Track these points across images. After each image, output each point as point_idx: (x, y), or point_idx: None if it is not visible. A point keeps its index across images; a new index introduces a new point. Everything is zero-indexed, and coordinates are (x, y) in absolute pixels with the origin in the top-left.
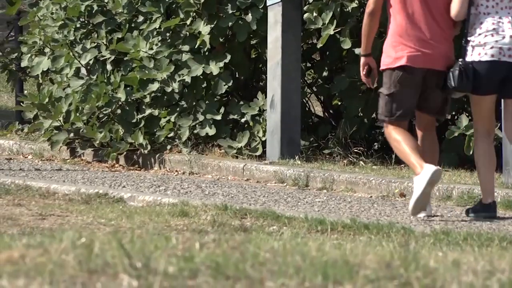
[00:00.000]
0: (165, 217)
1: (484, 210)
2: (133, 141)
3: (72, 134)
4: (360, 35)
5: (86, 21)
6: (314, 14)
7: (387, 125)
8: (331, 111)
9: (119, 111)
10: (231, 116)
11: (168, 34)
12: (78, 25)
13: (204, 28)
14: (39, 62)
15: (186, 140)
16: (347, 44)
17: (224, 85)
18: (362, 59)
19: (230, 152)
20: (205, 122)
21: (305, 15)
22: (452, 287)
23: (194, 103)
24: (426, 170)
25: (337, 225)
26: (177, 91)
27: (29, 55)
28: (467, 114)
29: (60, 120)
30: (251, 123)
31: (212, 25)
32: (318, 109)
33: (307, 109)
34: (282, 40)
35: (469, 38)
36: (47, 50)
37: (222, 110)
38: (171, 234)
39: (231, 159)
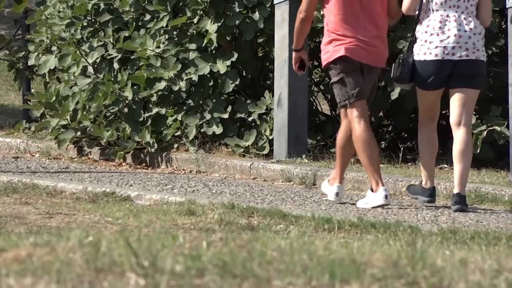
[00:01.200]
0: (172, 215)
1: (423, 194)
2: (140, 139)
3: (79, 133)
4: None
5: (93, 20)
6: (321, 12)
7: (350, 110)
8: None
9: (126, 109)
10: (238, 115)
11: (175, 33)
12: (85, 24)
13: (211, 27)
14: (46, 60)
15: (193, 138)
16: None
17: (231, 84)
18: (294, 54)
19: (237, 151)
20: (212, 121)
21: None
22: (459, 286)
23: (201, 102)
24: (379, 195)
25: (344, 224)
26: (184, 89)
27: (36, 53)
28: (474, 113)
29: (67, 119)
30: (258, 122)
31: (219, 24)
32: (325, 108)
33: (314, 107)
34: (289, 38)
35: (416, 34)
36: (54, 48)
37: (229, 108)
38: (178, 232)
39: (238, 158)
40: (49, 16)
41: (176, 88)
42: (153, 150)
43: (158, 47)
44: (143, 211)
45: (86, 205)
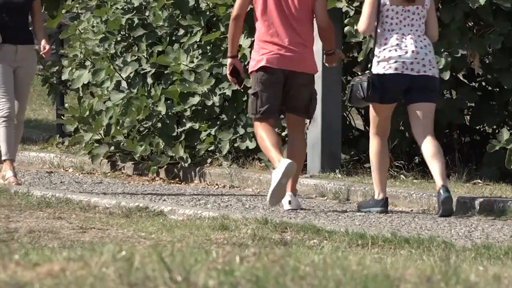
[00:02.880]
0: (205, 230)
1: (376, 205)
2: (173, 154)
3: (112, 148)
4: None
5: (126, 35)
6: (355, 27)
7: (255, 122)
8: None
9: (159, 124)
10: None
11: (208, 47)
12: (118, 38)
13: (244, 42)
14: (79, 75)
15: (226, 153)
16: None
17: None
18: (228, 61)
19: (271, 166)
20: (245, 136)
21: (346, 28)
22: None
23: (234, 117)
24: (281, 164)
25: (377, 239)
26: (217, 104)
27: (70, 68)
28: (508, 128)
29: (100, 133)
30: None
31: (253, 38)
32: (358, 123)
33: (347, 122)
34: (322, 53)
35: (375, 53)
36: (87, 63)
37: None
38: (211, 247)
39: (271, 172)
40: (83, 31)
41: (209, 103)
42: (186, 165)
43: (192, 61)
44: (176, 226)
45: (119, 220)
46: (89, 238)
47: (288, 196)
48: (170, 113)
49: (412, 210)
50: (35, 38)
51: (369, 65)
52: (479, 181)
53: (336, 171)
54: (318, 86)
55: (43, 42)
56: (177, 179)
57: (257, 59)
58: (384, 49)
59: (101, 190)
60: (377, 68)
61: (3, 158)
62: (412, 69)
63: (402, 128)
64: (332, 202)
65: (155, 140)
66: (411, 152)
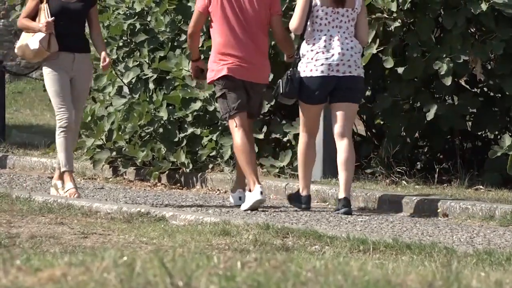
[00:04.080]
0: (206, 236)
1: (300, 201)
2: (175, 160)
3: (114, 153)
4: (403, 54)
5: (128, 40)
6: None
7: (230, 121)
8: (373, 130)
9: (161, 130)
10: (273, 135)
11: (210, 53)
12: (120, 44)
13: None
14: None
15: (228, 159)
16: (389, 63)
17: (267, 104)
18: (191, 64)
19: (272, 171)
20: None
21: None
22: None
23: None
24: (256, 192)
25: (379, 245)
26: (219, 110)
27: None
28: (510, 134)
29: (102, 139)
30: (293, 142)
31: None
32: (360, 128)
33: None
34: None
35: (302, 53)
36: None
37: (264, 129)
38: (213, 253)
39: (273, 178)
40: None
41: (211, 108)
42: (188, 170)
43: None
44: (178, 231)
45: (121, 225)
46: (91, 243)
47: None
48: (171, 119)
49: (413, 216)
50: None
51: (297, 62)
52: (481, 187)
53: (338, 177)
54: None
55: (103, 54)
56: (179, 185)
57: (216, 69)
58: (312, 50)
59: (102, 195)
60: (305, 71)
61: (62, 169)
62: (338, 71)
63: (404, 133)
64: (334, 208)
65: (157, 145)
66: (413, 157)
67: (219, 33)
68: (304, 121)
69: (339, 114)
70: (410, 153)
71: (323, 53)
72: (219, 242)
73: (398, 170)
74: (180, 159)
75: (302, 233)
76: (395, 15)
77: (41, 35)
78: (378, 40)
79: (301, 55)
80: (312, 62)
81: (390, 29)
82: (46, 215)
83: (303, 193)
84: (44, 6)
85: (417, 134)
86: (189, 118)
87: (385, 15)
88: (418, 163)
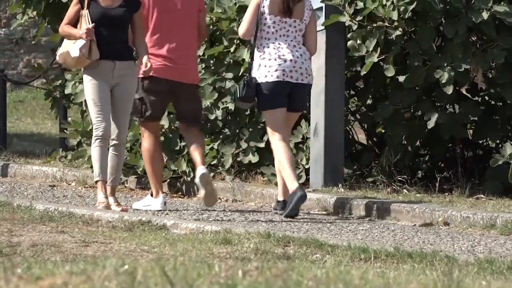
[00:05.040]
0: (208, 244)
1: (278, 206)
2: (176, 168)
3: None
4: (404, 62)
5: None
6: (358, 41)
7: (141, 126)
8: (374, 139)
9: (162, 138)
10: None
11: (211, 62)
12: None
13: (248, 56)
14: (83, 89)
15: (229, 167)
16: (390, 72)
17: None
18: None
19: (273, 180)
20: (248, 150)
21: (349, 43)
22: None
23: (237, 131)
24: (160, 200)
25: (380, 254)
26: (220, 118)
27: (73, 82)
28: (511, 143)
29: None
30: (294, 151)
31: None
32: (361, 137)
33: (350, 136)
34: (326, 67)
35: (255, 59)
36: None
37: (265, 137)
38: (214, 261)
39: (274, 187)
40: None
41: (212, 117)
42: (189, 179)
43: None
44: (179, 240)
45: (122, 233)
46: (92, 252)
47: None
48: (173, 127)
49: (415, 225)
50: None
51: (251, 67)
52: (482, 195)
53: (339, 185)
54: (320, 100)
55: (144, 59)
56: (180, 193)
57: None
58: (264, 58)
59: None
60: (260, 76)
61: (95, 179)
62: (291, 77)
63: (405, 142)
64: (335, 216)
65: None
66: (414, 166)
67: (150, 32)
68: (273, 129)
69: (287, 122)
70: (411, 161)
71: (275, 59)
72: (220, 251)
73: (399, 178)
74: (181, 167)
75: (303, 242)
76: (396, 23)
77: (82, 42)
78: (379, 49)
79: (254, 62)
80: (266, 68)
81: (391, 37)
82: (47, 223)
83: (281, 198)
84: (85, 12)
85: (418, 143)
86: None
87: (386, 23)
88: (419, 171)
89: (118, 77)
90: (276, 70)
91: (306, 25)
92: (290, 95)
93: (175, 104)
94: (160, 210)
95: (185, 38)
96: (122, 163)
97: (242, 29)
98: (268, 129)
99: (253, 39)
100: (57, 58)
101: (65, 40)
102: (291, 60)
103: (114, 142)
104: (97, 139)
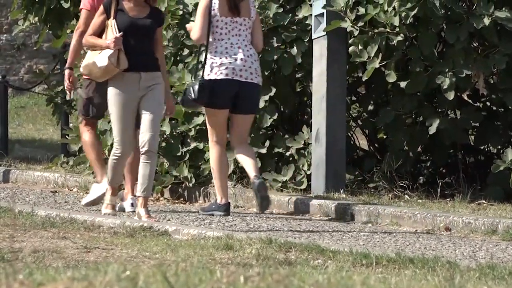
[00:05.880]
0: (209, 250)
1: (219, 209)
2: (178, 174)
3: None
4: (405, 68)
5: None
6: (360, 47)
7: (84, 122)
8: (376, 145)
9: (164, 144)
10: (276, 150)
11: None
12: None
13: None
14: None
15: (231, 173)
16: (392, 78)
17: (269, 118)
18: (67, 71)
19: (275, 186)
20: None
21: (350, 48)
22: None
23: None
24: (103, 185)
25: (382, 259)
26: None
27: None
28: None
29: (105, 153)
30: (296, 157)
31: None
32: (363, 143)
33: (352, 142)
34: (327, 73)
35: (208, 59)
36: None
37: (267, 143)
38: (216, 267)
39: (276, 193)
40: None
41: None
42: (191, 184)
43: None
44: (181, 246)
45: (123, 239)
46: (94, 258)
47: (130, 199)
48: (174, 133)
49: (416, 230)
50: None
51: (203, 70)
52: (484, 201)
53: (341, 191)
54: (322, 106)
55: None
56: (182, 199)
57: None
58: (215, 56)
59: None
60: (209, 74)
61: (107, 183)
62: (241, 76)
63: (406, 147)
64: (337, 222)
65: (160, 159)
66: (416, 172)
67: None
68: (212, 130)
69: (238, 125)
70: (413, 167)
71: (226, 58)
72: (222, 257)
73: (400, 184)
74: (183, 173)
75: (304, 248)
76: (397, 29)
77: (109, 51)
78: (380, 55)
79: (207, 64)
80: (216, 67)
81: (392, 43)
82: (48, 229)
83: (222, 201)
84: (112, 22)
85: (419, 148)
86: (192, 133)
87: (387, 29)
88: (420, 177)
89: (145, 88)
90: (226, 68)
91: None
92: (239, 95)
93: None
94: (104, 193)
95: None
96: (154, 172)
97: (195, 34)
98: (209, 133)
99: (206, 42)
100: (81, 69)
101: (89, 51)
102: (241, 59)
103: (146, 150)
104: (116, 157)
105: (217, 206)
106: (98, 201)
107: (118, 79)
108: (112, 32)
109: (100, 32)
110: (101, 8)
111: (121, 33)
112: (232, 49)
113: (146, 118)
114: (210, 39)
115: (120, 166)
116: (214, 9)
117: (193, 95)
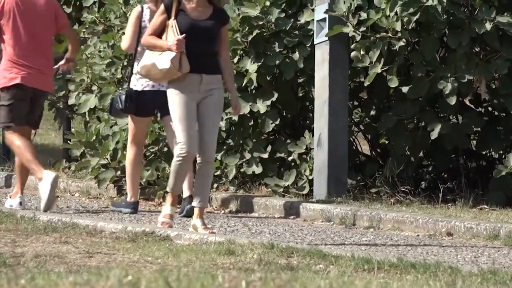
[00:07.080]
0: (211, 255)
1: (128, 206)
2: None
3: (119, 172)
4: (407, 73)
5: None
6: (362, 52)
7: (11, 132)
8: (378, 150)
9: (166, 149)
10: (278, 155)
11: None
12: (125, 63)
13: (251, 66)
14: (86, 99)
15: (233, 178)
16: (394, 83)
17: (271, 124)
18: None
19: (277, 191)
20: (252, 161)
21: (352, 54)
22: None
23: (241, 141)
24: (47, 176)
25: (383, 264)
26: (224, 129)
27: (77, 92)
28: None
29: (107, 158)
30: (298, 162)
31: (259, 63)
32: (365, 148)
33: (354, 147)
34: (329, 78)
35: (134, 70)
36: (94, 88)
37: (269, 148)
38: (218, 272)
39: (278, 198)
40: (89, 56)
41: None
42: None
43: None
44: (183, 251)
45: (125, 244)
46: (96, 263)
47: (18, 198)
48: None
49: (418, 235)
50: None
51: (129, 80)
52: (485, 206)
53: (343, 196)
54: (324, 111)
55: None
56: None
57: (9, 77)
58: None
59: (107, 214)
60: (137, 84)
61: (167, 188)
62: (164, 86)
63: (408, 153)
64: (339, 227)
65: (162, 164)
66: (417, 177)
67: (11, 43)
68: (135, 133)
69: (172, 127)
70: (415, 172)
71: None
72: (224, 262)
73: (402, 189)
74: None
75: (306, 253)
76: (399, 34)
77: (171, 54)
78: (382, 60)
79: (132, 72)
80: (143, 78)
81: (394, 48)
82: (50, 234)
83: (131, 199)
84: (173, 22)
85: (421, 153)
86: None
87: (389, 34)
88: (422, 182)
89: (205, 91)
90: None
91: None
92: (165, 103)
93: (29, 110)
94: (52, 184)
95: (45, 50)
96: (211, 181)
97: (125, 43)
98: (129, 136)
99: (134, 52)
100: (139, 70)
101: (147, 51)
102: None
103: (202, 159)
104: (180, 157)
105: (126, 204)
106: (53, 197)
107: (179, 80)
108: (174, 34)
109: (160, 32)
110: (162, 7)
111: (183, 35)
112: None
113: (203, 125)
114: (139, 49)
115: (183, 170)
116: (144, 20)
117: (120, 105)
